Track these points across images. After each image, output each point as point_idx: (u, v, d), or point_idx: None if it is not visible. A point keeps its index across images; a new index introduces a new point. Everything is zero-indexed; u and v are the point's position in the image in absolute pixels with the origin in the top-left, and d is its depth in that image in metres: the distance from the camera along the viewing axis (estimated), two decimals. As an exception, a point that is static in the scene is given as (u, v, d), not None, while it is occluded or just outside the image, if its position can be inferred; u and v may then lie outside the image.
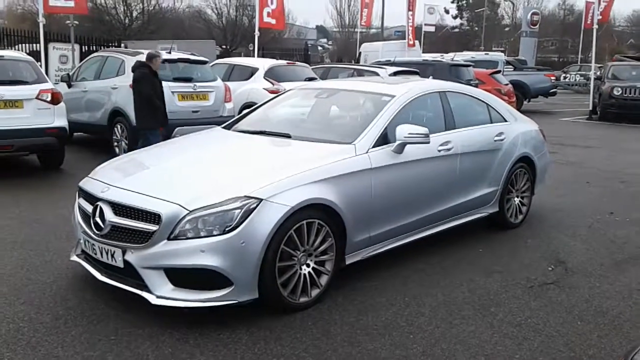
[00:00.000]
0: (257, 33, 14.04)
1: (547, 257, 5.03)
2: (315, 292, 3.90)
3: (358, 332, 3.57)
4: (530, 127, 6.14)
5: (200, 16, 48.88)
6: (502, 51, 40.03)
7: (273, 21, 13.73)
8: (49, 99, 7.72)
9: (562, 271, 4.71)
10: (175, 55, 9.44)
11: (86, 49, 22.50)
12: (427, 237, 4.88)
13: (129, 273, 3.63)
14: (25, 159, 8.53)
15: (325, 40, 69.84)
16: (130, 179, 3.97)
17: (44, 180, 7.75)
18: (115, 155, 8.81)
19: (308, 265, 3.86)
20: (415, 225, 4.67)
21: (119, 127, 9.02)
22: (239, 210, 3.51)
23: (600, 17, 17.17)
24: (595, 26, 17.03)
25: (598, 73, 19.15)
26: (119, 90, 8.94)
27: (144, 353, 3.26)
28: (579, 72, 31.77)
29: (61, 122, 7.87)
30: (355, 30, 57.03)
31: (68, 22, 15.50)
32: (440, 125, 5.00)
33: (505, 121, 5.79)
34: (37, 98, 7.61)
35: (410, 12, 23.98)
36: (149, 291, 3.56)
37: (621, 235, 5.72)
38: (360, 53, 24.64)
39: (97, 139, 10.01)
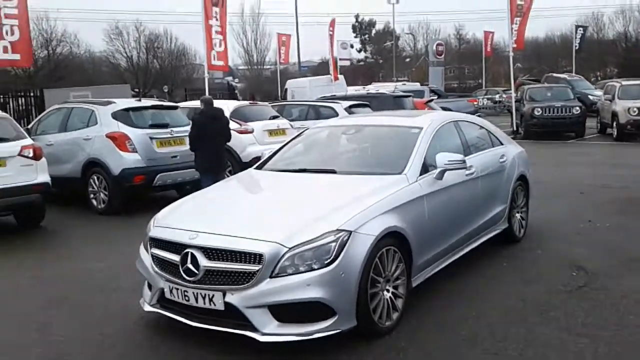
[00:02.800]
0: (206, 75, 14.15)
1: (564, 264, 5.54)
2: (395, 315, 4.14)
3: (450, 346, 3.85)
4: (519, 149, 6.75)
5: (108, 60, 47.84)
6: (406, 80, 42.13)
7: (220, 63, 13.93)
8: (31, 154, 7.49)
9: (585, 275, 5.22)
10: (147, 102, 9.41)
11: (2, 100, 21.50)
12: (459, 259, 5.23)
13: (230, 314, 3.71)
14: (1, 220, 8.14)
15: (230, 78, 70.27)
16: (213, 223, 4.04)
17: (33, 239, 7.44)
18: (93, 207, 8.70)
19: (388, 291, 4.11)
20: (456, 244, 5.05)
21: (95, 178, 8.81)
22: (335, 243, 3.71)
23: (514, 45, 18.68)
24: (511, 54, 18.55)
25: (504, 96, 20.73)
26: (93, 141, 8.77)
27: (271, 389, 3.36)
28: (486, 96, 33.97)
29: (44, 177, 7.65)
30: (265, 67, 58.02)
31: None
32: (460, 152, 5.41)
33: (502, 144, 6.35)
34: (19, 155, 7.37)
35: (332, 48, 24.93)
36: (254, 330, 3.66)
37: (612, 239, 6.37)
38: (286, 89, 25.16)
39: (61, 193, 9.67)
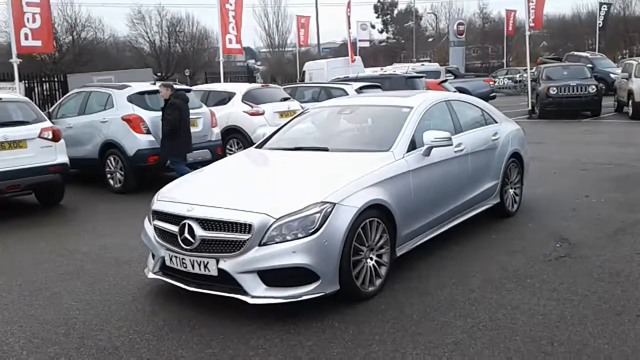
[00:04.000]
0: (221, 59, 14.49)
1: (551, 236, 5.79)
2: (378, 282, 4.45)
3: (427, 309, 4.15)
4: (514, 127, 6.95)
5: (131, 45, 48.49)
6: (428, 60, 41.94)
7: (237, 46, 14.24)
8: (50, 136, 7.92)
9: (569, 246, 5.46)
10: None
11: (28, 85, 22.16)
12: (447, 231, 5.52)
13: (223, 279, 4.07)
14: (21, 198, 8.62)
15: (253, 61, 70.52)
16: (210, 196, 4.40)
17: (51, 216, 7.90)
18: (110, 186, 9.14)
19: (371, 259, 4.42)
20: (443, 217, 5.33)
21: (112, 159, 9.25)
22: (319, 214, 4.03)
23: (532, 24, 18.59)
24: (528, 32, 18.47)
25: (525, 76, 20.66)
26: (110, 123, 9.19)
27: (257, 344, 3.72)
28: (507, 76, 33.80)
29: (63, 158, 8.09)
30: (286, 49, 58.19)
31: (11, 60, 15.37)
32: (451, 130, 5.67)
33: (496, 122, 6.57)
34: (39, 137, 7.81)
35: (350, 30, 25.02)
36: (244, 293, 4.01)
37: (603, 213, 6.58)
38: (304, 72, 25.39)
39: (81, 173, 10.16)
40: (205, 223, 4.13)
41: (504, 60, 45.16)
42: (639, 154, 10.45)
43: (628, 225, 6.06)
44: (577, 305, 4.12)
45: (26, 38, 10.87)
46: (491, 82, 22.19)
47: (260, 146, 5.78)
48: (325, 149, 5.19)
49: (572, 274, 4.71)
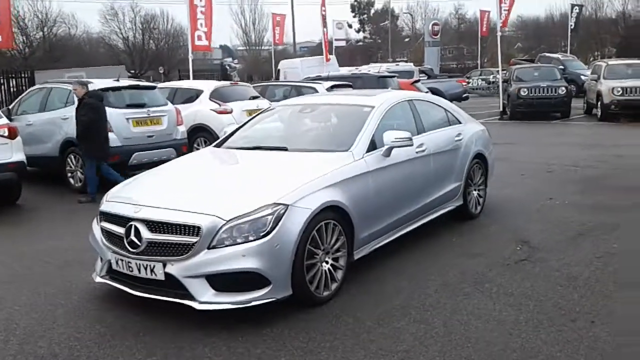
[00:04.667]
0: (190, 56, 14.26)
1: (512, 239, 5.74)
2: (334, 286, 4.34)
3: (382, 315, 4.05)
4: (479, 127, 6.91)
5: (104, 41, 47.80)
6: (405, 61, 42.05)
7: (206, 43, 14.02)
8: (6, 134, 7.67)
9: (529, 249, 5.42)
10: (125, 82, 9.55)
11: (-6, 81, 21.61)
12: (407, 234, 5.43)
13: (170, 284, 3.92)
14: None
15: (230, 59, 69.98)
16: (158, 197, 4.24)
17: (8, 216, 7.64)
18: (70, 185, 8.88)
19: (327, 262, 4.30)
20: (404, 219, 5.23)
21: (72, 157, 8.99)
22: (271, 217, 3.90)
23: (501, 25, 18.69)
24: (499, 33, 18.57)
25: (499, 76, 20.78)
26: (70, 120, 8.91)
27: (203, 353, 3.58)
28: (481, 77, 34.01)
29: (19, 156, 7.83)
30: (263, 48, 57.86)
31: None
32: (413, 130, 5.58)
33: (460, 123, 6.51)
34: (-6, 134, 7.54)
35: (325, 29, 24.90)
36: (192, 299, 3.86)
37: (566, 215, 6.56)
38: (279, 70, 25.20)
39: (42, 172, 9.87)
40: (152, 225, 3.97)
41: (478, 61, 45.48)
42: (604, 156, 10.52)
43: (589, 228, 6.04)
44: (532, 310, 4.06)
45: (-16, 32, 10.52)
46: (464, 83, 22.27)
47: (219, 145, 5.63)
48: (285, 149, 5.07)
49: (530, 278, 4.66)
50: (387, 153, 4.95)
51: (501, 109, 19.15)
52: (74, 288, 4.73)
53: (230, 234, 3.86)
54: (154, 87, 9.90)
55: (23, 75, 22.77)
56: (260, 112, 6.10)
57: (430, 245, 5.58)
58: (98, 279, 4.40)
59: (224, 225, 3.84)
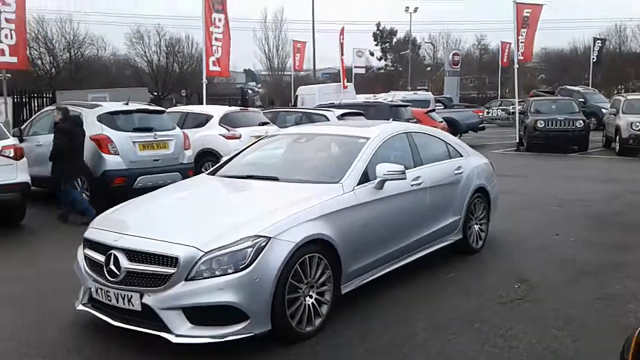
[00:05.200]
0: (204, 81, 14.40)
1: (511, 277, 5.56)
2: (318, 321, 4.21)
3: (364, 354, 3.92)
4: (482, 161, 6.77)
5: (129, 63, 48.61)
6: (426, 89, 42.03)
7: (218, 68, 14.16)
8: (11, 154, 7.73)
9: (527, 288, 5.24)
10: (133, 106, 9.63)
11: (18, 100, 22.11)
12: (400, 268, 5.29)
13: (147, 315, 3.83)
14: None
15: (253, 83, 70.79)
16: (140, 226, 4.19)
17: (8, 237, 7.66)
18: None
19: (311, 297, 4.18)
20: (397, 253, 5.10)
21: (79, 179, 9.03)
22: (251, 249, 3.81)
23: (521, 57, 18.60)
24: (516, 65, 18.47)
25: (519, 107, 20.61)
26: (77, 143, 8.99)
27: (174, 388, 3.47)
28: (500, 107, 33.79)
29: (24, 177, 7.87)
30: (285, 73, 58.44)
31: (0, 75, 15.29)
32: (410, 163, 5.49)
33: (461, 156, 6.39)
34: (-1, 154, 7.61)
35: (343, 57, 25.07)
36: (168, 331, 3.77)
37: (569, 253, 6.36)
38: (297, 96, 25.36)
39: (50, 193, 9.93)
40: (131, 254, 3.91)
41: (499, 92, 45.28)
42: (619, 191, 10.27)
43: (594, 267, 5.84)
44: (520, 354, 3.89)
45: (2, 54, 10.74)
46: (481, 113, 22.10)
47: (213, 172, 5.58)
48: (276, 179, 4.99)
49: (525, 319, 4.48)
50: (380, 186, 4.86)
51: (517, 140, 18.93)
52: (57, 316, 4.65)
53: (209, 265, 3.78)
54: (162, 112, 9.97)
55: (45, 95, 23.31)
56: (256, 141, 6.06)
57: (425, 280, 5.43)
58: (80, 307, 4.34)
59: (203, 256, 3.76)
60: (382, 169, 4.83)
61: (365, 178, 4.86)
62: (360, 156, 4.99)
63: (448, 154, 6.21)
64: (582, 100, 25.82)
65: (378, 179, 4.84)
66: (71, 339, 4.23)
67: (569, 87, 29.57)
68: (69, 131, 8.20)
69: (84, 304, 4.31)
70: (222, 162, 5.77)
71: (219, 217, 4.28)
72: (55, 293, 5.21)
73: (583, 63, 51.48)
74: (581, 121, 17.36)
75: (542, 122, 17.32)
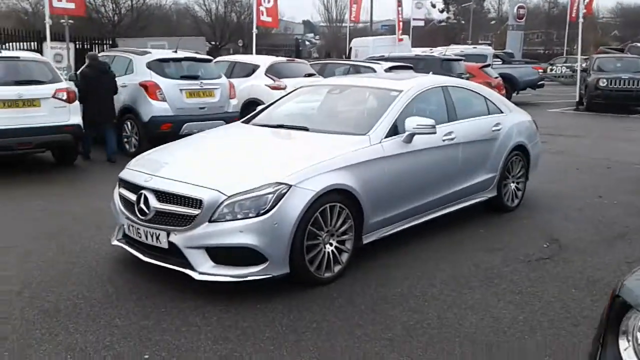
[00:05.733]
0: (254, 31, 14.43)
1: (542, 236, 5.50)
2: (337, 268, 4.34)
3: (378, 301, 4.02)
4: (524, 118, 6.61)
5: (188, 12, 49.05)
6: (489, 44, 40.58)
7: (269, 19, 14.15)
8: (64, 97, 8.07)
9: (557, 248, 5.19)
10: (181, 54, 9.81)
11: (80, 46, 22.79)
12: (433, 220, 5.33)
13: (173, 253, 4.05)
14: (39, 155, 8.86)
15: (312, 35, 70.13)
16: (170, 168, 4.37)
17: (62, 175, 8.10)
18: (125, 150, 9.26)
19: (331, 244, 4.30)
20: (423, 208, 5.13)
21: (129, 123, 9.38)
22: (272, 195, 3.93)
23: (584, 10, 17.68)
24: (581, 20, 17.57)
25: (584, 65, 19.71)
26: (128, 88, 9.30)
27: (193, 321, 3.69)
28: (565, 64, 32.35)
29: (76, 119, 8.23)
30: (343, 24, 57.56)
31: (62, 21, 15.75)
32: (444, 117, 5.44)
33: (501, 112, 6.25)
34: (53, 97, 7.95)
35: (400, 8, 24.44)
36: (192, 269, 3.98)
37: (609, 215, 6.21)
38: (351, 48, 25.09)
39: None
40: (160, 195, 4.10)
41: (567, 48, 43.24)
42: (676, 156, 9.81)
43: (630, 230, 5.70)
44: (536, 311, 3.90)
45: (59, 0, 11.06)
46: (540, 70, 21.21)
47: (247, 121, 5.70)
48: (306, 129, 5.06)
49: (546, 278, 4.47)
50: (408, 139, 4.85)
51: (578, 99, 18.21)
52: (98, 248, 4.98)
53: (232, 209, 3.92)
54: (209, 60, 10.12)
55: (106, 42, 23.90)
56: (292, 91, 6.11)
57: (454, 235, 5.45)
58: (114, 242, 4.61)
59: (226, 200, 3.91)
60: (411, 122, 4.81)
61: (394, 131, 4.86)
62: (391, 109, 4.97)
63: (487, 110, 6.10)
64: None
65: (407, 133, 4.83)
66: (107, 270, 4.51)
67: (639, 44, 27.94)
68: (90, 77, 8.71)
69: (118, 240, 4.57)
70: (257, 110, 5.87)
71: (244, 163, 4.41)
72: (97, 229, 5.52)
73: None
74: (647, 81, 16.48)
75: (604, 80, 16.57)
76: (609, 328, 1.96)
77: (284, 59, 12.46)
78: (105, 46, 23.15)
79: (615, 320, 1.95)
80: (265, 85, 10.81)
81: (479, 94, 6.19)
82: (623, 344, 1.89)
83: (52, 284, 4.25)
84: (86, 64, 9.06)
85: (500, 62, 20.42)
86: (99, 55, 10.09)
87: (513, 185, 6.33)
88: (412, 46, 26.61)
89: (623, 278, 2.09)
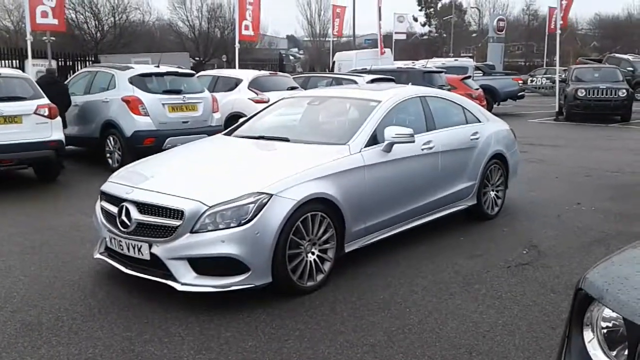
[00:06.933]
0: (237, 45, 14.53)
1: (521, 242, 5.59)
2: (320, 277, 4.37)
3: (360, 308, 4.06)
4: (502, 127, 6.73)
5: (172, 29, 49.11)
6: (470, 56, 41.08)
7: (251, 33, 14.25)
8: (46, 113, 8.07)
9: (536, 253, 5.27)
10: (164, 68, 9.85)
11: (62, 63, 22.77)
12: (413, 228, 5.40)
13: (155, 264, 4.07)
14: (22, 172, 8.82)
15: (296, 49, 70.55)
16: (152, 180, 4.41)
17: (44, 191, 8.07)
18: (108, 166, 9.26)
19: (313, 253, 4.34)
20: (404, 216, 5.19)
21: (111, 139, 9.38)
22: (253, 205, 3.98)
23: (561, 22, 18.02)
24: (559, 31, 17.89)
25: (563, 76, 20.05)
26: (110, 103, 9.32)
27: (176, 332, 3.70)
28: (545, 76, 32.83)
29: (58, 135, 8.23)
30: (327, 39, 58.03)
31: (45, 38, 15.75)
32: (422, 127, 5.53)
33: (479, 122, 6.36)
34: (35, 113, 7.95)
35: (380, 22, 24.73)
36: (174, 280, 3.99)
37: (587, 222, 6.32)
38: (334, 62, 25.30)
39: (88, 151, 10.35)
40: (142, 206, 4.13)
41: (546, 59, 43.89)
42: (653, 163, 10.02)
43: (607, 236, 5.81)
44: (515, 315, 3.96)
45: (44, 16, 11.08)
46: (520, 81, 21.53)
47: (229, 133, 5.75)
48: (287, 139, 5.12)
49: (525, 283, 4.54)
50: (388, 148, 4.93)
51: (557, 110, 18.49)
52: (81, 263, 4.97)
53: (214, 219, 3.96)
54: (192, 75, 10.18)
55: (89, 59, 23.91)
56: (273, 103, 6.18)
57: (435, 242, 5.51)
58: (96, 255, 4.61)
59: (207, 210, 3.95)
60: (390, 131, 4.89)
61: (374, 140, 4.94)
62: (370, 119, 5.06)
63: (465, 119, 6.20)
64: (631, 69, 24.92)
65: (386, 142, 4.91)
66: (89, 284, 4.51)
67: (617, 55, 28.51)
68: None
69: (100, 253, 4.58)
70: (238, 123, 5.93)
71: (226, 174, 4.45)
72: (81, 243, 5.52)
73: (637, 30, 49.33)
74: (624, 90, 16.81)
75: (582, 90, 16.86)
76: (574, 321, 2.03)
77: (266, 72, 12.56)
78: (87, 63, 23.18)
79: (579, 313, 2.01)
80: (248, 98, 10.88)
81: (457, 103, 6.30)
82: (587, 335, 1.95)
83: (35, 298, 4.24)
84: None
85: (482, 74, 20.71)
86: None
87: (493, 194, 6.43)
88: (395, 59, 26.92)
89: (585, 272, 2.15)
